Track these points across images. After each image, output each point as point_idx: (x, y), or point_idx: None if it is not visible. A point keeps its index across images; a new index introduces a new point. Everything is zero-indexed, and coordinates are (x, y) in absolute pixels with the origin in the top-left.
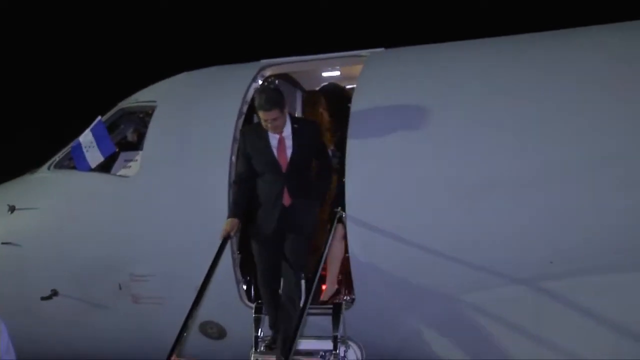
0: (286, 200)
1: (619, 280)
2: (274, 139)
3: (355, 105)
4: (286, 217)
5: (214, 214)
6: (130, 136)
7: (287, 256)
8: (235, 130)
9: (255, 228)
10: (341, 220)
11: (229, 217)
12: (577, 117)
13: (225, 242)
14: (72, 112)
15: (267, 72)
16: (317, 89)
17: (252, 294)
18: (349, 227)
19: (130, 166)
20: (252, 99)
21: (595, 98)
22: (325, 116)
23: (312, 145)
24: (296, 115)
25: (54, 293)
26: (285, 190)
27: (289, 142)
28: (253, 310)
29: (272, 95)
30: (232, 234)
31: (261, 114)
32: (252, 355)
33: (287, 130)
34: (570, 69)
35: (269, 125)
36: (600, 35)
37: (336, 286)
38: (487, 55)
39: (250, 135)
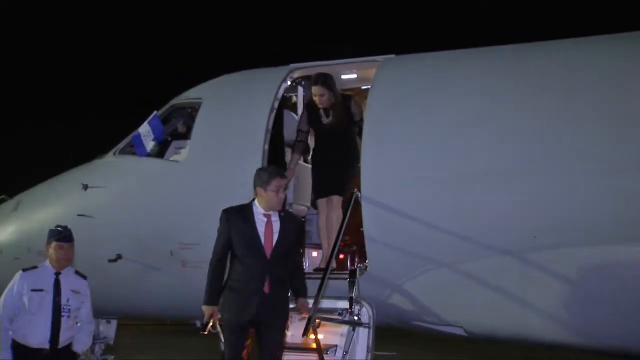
0: (267, 288)
1: (592, 252)
2: (260, 224)
3: (371, 102)
4: (265, 306)
5: (248, 193)
6: (180, 128)
7: (265, 346)
8: (268, 122)
9: (229, 314)
10: (357, 200)
11: (206, 303)
12: (555, 118)
13: (206, 327)
14: (134, 107)
15: (295, 74)
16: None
17: None
18: (363, 206)
19: (180, 153)
20: (282, 97)
21: (574, 103)
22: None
23: (293, 237)
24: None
25: (119, 257)
26: (268, 277)
27: (276, 227)
28: None
29: (273, 169)
30: (214, 320)
31: (277, 180)
32: None
33: (275, 216)
34: (556, 76)
35: (280, 195)
36: (590, 46)
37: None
38: (481, 61)
39: (235, 217)
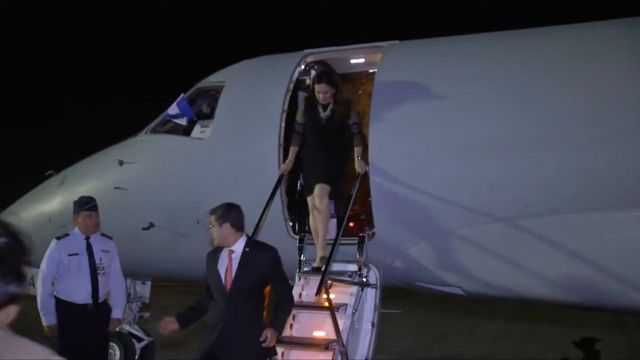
0: (227, 325)
1: (576, 219)
2: (224, 259)
3: (377, 84)
4: (221, 343)
5: (266, 167)
6: (205, 108)
7: None
8: (284, 103)
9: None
10: (366, 173)
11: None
12: (546, 97)
13: None
14: (163, 91)
15: (309, 59)
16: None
17: (297, 229)
18: (371, 177)
19: (204, 131)
20: (297, 80)
21: (562, 83)
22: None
23: (261, 272)
24: None
25: (151, 225)
26: (228, 315)
27: (235, 263)
28: (297, 241)
29: (218, 207)
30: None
31: (209, 218)
32: (297, 274)
33: (238, 252)
34: (550, 59)
35: (213, 231)
36: (580, 31)
37: (323, 254)
38: (478, 46)
39: (210, 256)
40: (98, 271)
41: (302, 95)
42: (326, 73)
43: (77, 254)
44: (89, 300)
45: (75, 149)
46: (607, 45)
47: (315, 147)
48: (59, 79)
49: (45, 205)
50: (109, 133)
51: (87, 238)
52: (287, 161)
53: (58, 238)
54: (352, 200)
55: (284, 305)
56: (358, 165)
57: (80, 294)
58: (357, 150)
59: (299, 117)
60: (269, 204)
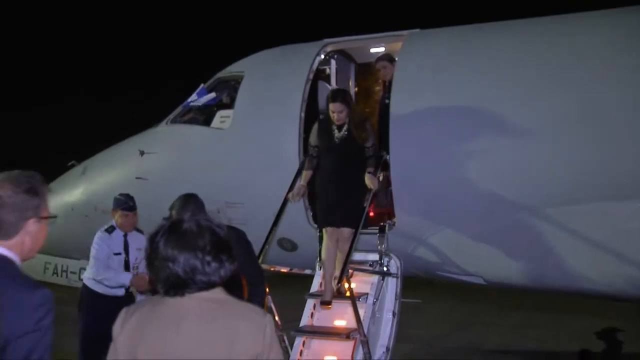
0: None
1: (601, 208)
2: None
3: (397, 73)
4: None
5: (286, 157)
6: (225, 98)
7: None
8: (304, 92)
9: None
10: (387, 163)
11: None
12: (568, 87)
13: None
14: (183, 81)
15: (328, 49)
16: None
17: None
18: (391, 167)
19: (224, 121)
20: (317, 69)
21: (587, 73)
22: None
23: None
24: (350, 82)
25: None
26: None
27: None
28: (317, 230)
29: (176, 200)
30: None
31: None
32: (317, 263)
33: None
34: (574, 48)
35: None
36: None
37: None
38: (501, 34)
39: None
40: (131, 270)
41: (322, 85)
42: (341, 92)
43: (120, 254)
44: (121, 294)
45: (99, 141)
46: (633, 35)
47: (328, 171)
48: (76, 71)
49: (67, 195)
50: (129, 124)
51: (125, 235)
52: (300, 185)
53: (106, 231)
54: (371, 192)
55: (255, 292)
56: (369, 180)
57: (116, 289)
58: (369, 169)
59: (313, 139)
60: (289, 194)
